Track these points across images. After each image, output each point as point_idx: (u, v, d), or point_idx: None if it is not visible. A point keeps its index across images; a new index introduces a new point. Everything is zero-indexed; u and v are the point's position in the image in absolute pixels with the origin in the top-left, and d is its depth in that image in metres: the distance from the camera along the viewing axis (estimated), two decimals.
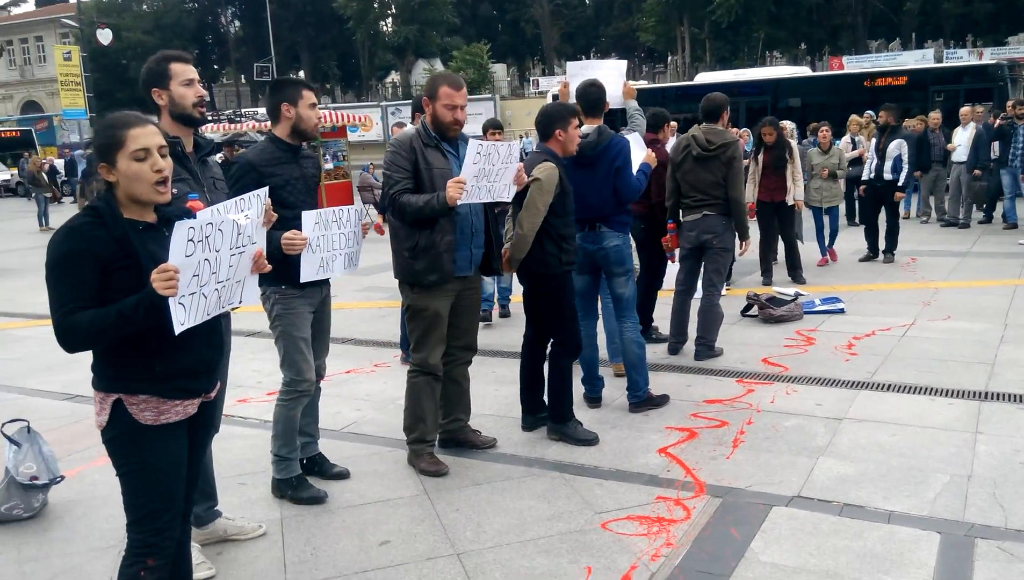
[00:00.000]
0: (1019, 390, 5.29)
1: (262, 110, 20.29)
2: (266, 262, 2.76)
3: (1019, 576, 3.20)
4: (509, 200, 4.36)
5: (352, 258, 4.09)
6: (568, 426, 4.78)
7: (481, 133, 7.49)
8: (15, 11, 64.18)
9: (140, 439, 2.48)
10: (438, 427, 4.56)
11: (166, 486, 2.53)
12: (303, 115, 3.97)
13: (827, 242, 9.99)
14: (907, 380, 5.60)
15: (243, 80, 62.42)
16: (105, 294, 2.37)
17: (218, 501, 3.78)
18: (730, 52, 45.27)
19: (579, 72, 5.98)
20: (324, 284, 4.13)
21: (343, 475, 4.38)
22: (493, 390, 5.80)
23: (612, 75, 5.91)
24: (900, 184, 9.79)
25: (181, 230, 2.31)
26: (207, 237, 2.41)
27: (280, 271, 3.87)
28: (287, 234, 3.67)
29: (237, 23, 63.63)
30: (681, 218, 6.34)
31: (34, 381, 6.54)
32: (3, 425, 4.18)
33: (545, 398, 5.00)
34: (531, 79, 51.77)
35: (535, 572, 3.39)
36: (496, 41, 56.51)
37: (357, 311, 8.77)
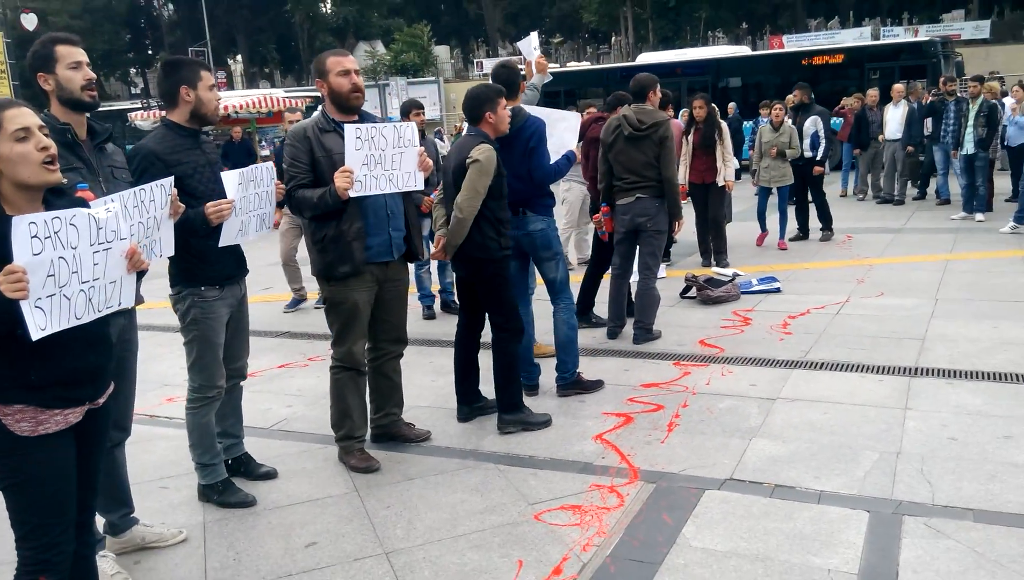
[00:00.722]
0: (948, 365, 5.37)
1: None
2: (143, 260, 2.58)
3: (944, 552, 3.22)
4: (419, 188, 4.21)
5: (264, 220, 3.92)
6: (523, 413, 4.71)
7: (400, 116, 7.38)
8: None
9: (19, 451, 2.33)
10: (367, 422, 4.44)
11: (52, 499, 2.38)
12: (203, 97, 3.73)
13: (779, 228, 9.85)
14: (839, 358, 5.65)
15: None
16: None
17: (134, 508, 3.62)
18: (673, 32, 45.44)
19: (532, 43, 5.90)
20: (241, 281, 3.96)
21: (270, 475, 4.25)
22: (430, 381, 5.70)
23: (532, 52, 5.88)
24: (819, 159, 9.93)
25: (21, 226, 2.15)
26: (56, 232, 2.24)
27: (197, 271, 3.73)
28: (210, 203, 3.52)
29: (171, 6, 61.79)
30: (615, 201, 6.28)
31: None
32: None
33: (479, 388, 4.94)
34: (475, 61, 51.36)
35: (465, 568, 3.32)
36: (439, 22, 55.91)
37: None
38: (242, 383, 4.21)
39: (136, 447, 4.70)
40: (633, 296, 6.50)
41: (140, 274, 2.70)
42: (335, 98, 4.08)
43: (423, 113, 7.21)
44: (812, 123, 9.97)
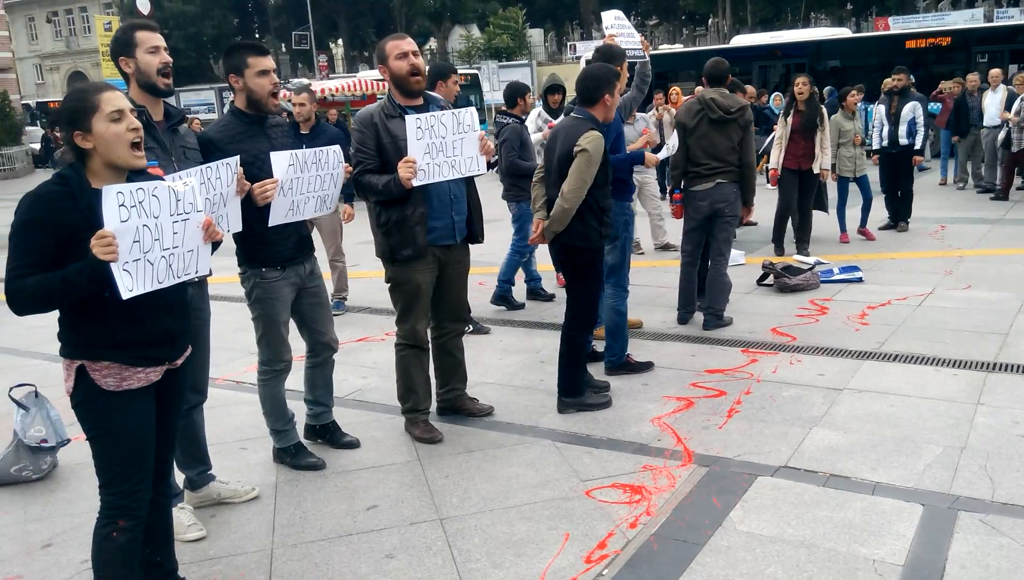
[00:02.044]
0: None
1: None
2: (218, 231, 2.79)
3: (997, 549, 3.17)
4: (481, 172, 4.30)
5: (325, 201, 3.95)
6: (583, 396, 4.79)
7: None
8: None
9: (104, 404, 2.58)
10: (430, 396, 4.62)
11: (133, 450, 2.63)
12: (251, 85, 3.76)
13: (861, 216, 9.48)
14: (915, 350, 5.52)
15: (283, 48, 62.63)
16: (65, 262, 2.45)
17: (211, 466, 3.90)
18: (773, 14, 44.16)
19: (615, 22, 5.91)
20: (307, 258, 4.07)
21: (352, 445, 4.40)
22: (498, 359, 5.85)
23: (627, 26, 5.91)
24: (918, 147, 9.55)
25: (110, 195, 2.39)
26: (140, 202, 2.47)
27: (259, 253, 3.88)
28: (256, 185, 3.60)
29: None
30: (689, 187, 6.23)
31: (53, 347, 6.74)
32: (11, 389, 4.35)
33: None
34: (568, 44, 51.13)
35: (514, 538, 3.46)
36: (533, 5, 55.77)
37: (375, 280, 8.85)
38: (334, 357, 4.36)
39: (221, 410, 5.06)
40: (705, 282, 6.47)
41: (215, 245, 2.92)
42: (397, 82, 4.18)
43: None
44: (911, 109, 9.59)
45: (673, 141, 5.76)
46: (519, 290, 7.49)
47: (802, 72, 20.25)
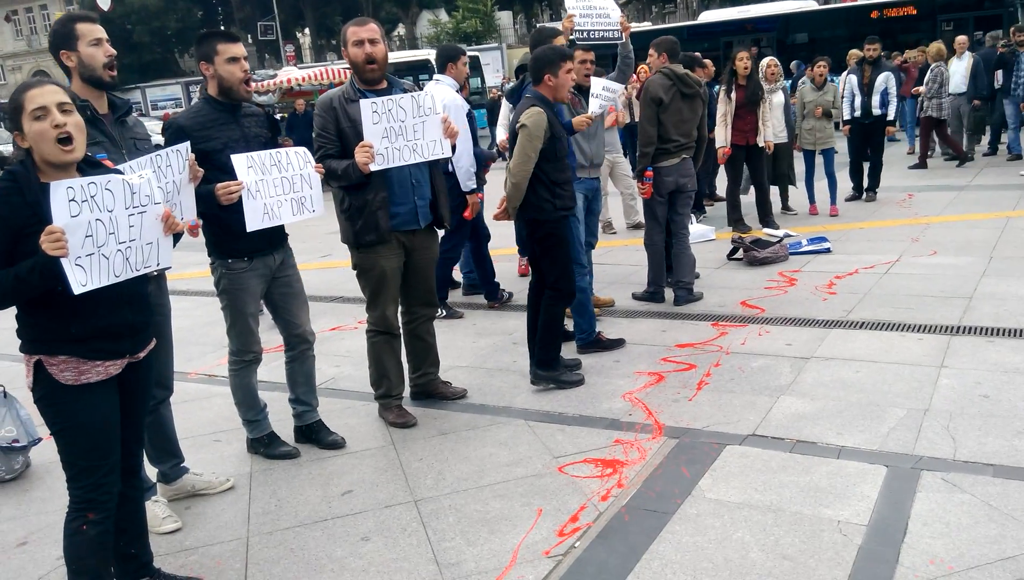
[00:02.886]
0: (991, 323, 5.30)
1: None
2: (178, 222, 2.78)
3: (958, 506, 3.26)
4: (446, 155, 4.31)
5: (304, 203, 3.89)
6: (558, 371, 4.84)
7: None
8: None
9: (64, 398, 2.59)
10: (403, 381, 4.64)
11: (96, 443, 2.64)
12: (222, 72, 3.74)
13: (830, 191, 9.48)
14: (881, 317, 5.61)
15: (249, 40, 61.93)
16: (17, 258, 2.45)
17: (184, 458, 3.90)
18: None
19: (577, 3, 5.89)
20: (277, 249, 4.04)
21: (338, 444, 4.29)
22: (471, 342, 5.88)
23: (606, 6, 5.90)
24: (891, 117, 9.64)
25: (59, 190, 2.38)
26: (92, 197, 2.46)
27: (226, 244, 3.85)
28: (220, 184, 3.59)
29: None
30: (655, 164, 6.25)
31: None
32: None
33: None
34: (538, 26, 50.90)
35: (488, 515, 3.50)
36: None
37: (347, 269, 8.84)
38: (312, 352, 4.31)
39: (194, 404, 5.07)
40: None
41: (176, 237, 2.89)
42: (354, 68, 4.18)
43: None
44: (884, 79, 9.63)
45: (595, 108, 5.68)
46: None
47: (771, 46, 20.49)
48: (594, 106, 5.57)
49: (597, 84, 5.71)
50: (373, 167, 4.03)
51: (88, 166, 2.65)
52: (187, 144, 3.38)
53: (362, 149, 4.00)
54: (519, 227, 4.89)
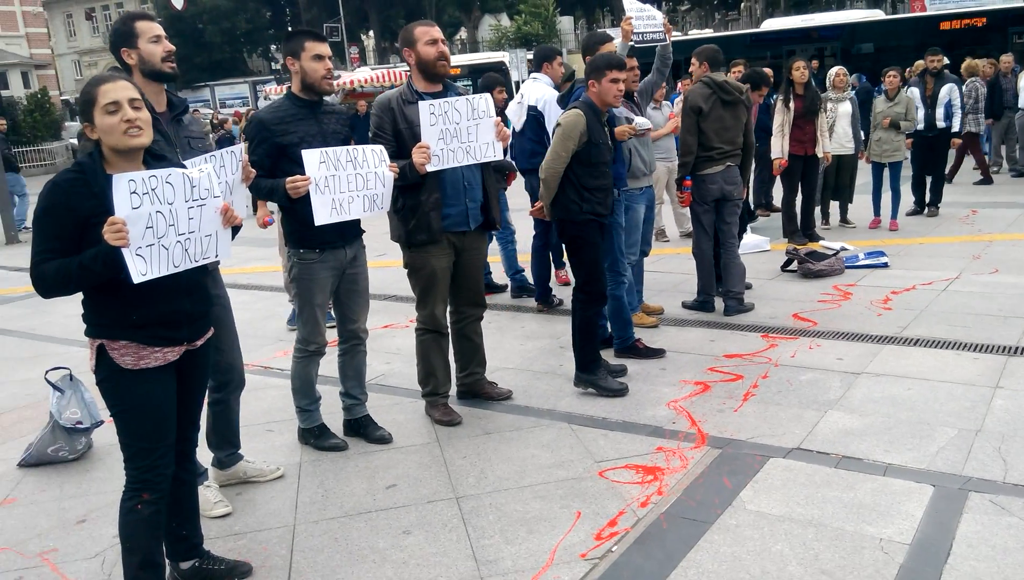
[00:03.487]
0: None
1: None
2: (236, 215, 2.87)
3: (1005, 529, 3.20)
4: (497, 157, 4.37)
5: (375, 201, 4.00)
6: (596, 375, 4.85)
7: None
8: None
9: (124, 382, 2.71)
10: (450, 380, 4.72)
11: (153, 426, 2.76)
12: (307, 68, 3.88)
13: (892, 205, 9.23)
14: (937, 335, 5.51)
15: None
16: (84, 246, 2.58)
17: (240, 447, 4.02)
18: None
19: (632, 6, 5.93)
20: (350, 244, 4.13)
21: (384, 439, 4.37)
22: (519, 344, 5.94)
23: (650, 13, 5.94)
24: (955, 129, 9.41)
25: (120, 183, 2.50)
26: (153, 189, 2.58)
27: (298, 234, 3.98)
28: (290, 178, 3.72)
29: None
30: (698, 172, 6.21)
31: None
32: (47, 372, 4.53)
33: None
34: (589, 32, 50.82)
35: (527, 515, 3.55)
36: None
37: (400, 269, 8.98)
38: (364, 348, 4.42)
39: (249, 394, 5.15)
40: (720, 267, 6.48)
41: (235, 230, 2.99)
42: (423, 66, 4.24)
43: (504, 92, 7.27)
44: (947, 91, 9.45)
45: (641, 120, 5.65)
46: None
47: (835, 56, 20.11)
48: (658, 116, 5.58)
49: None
50: (429, 168, 4.11)
51: (153, 159, 2.77)
52: (241, 147, 3.51)
53: (419, 150, 4.08)
54: (555, 227, 4.96)
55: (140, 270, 2.57)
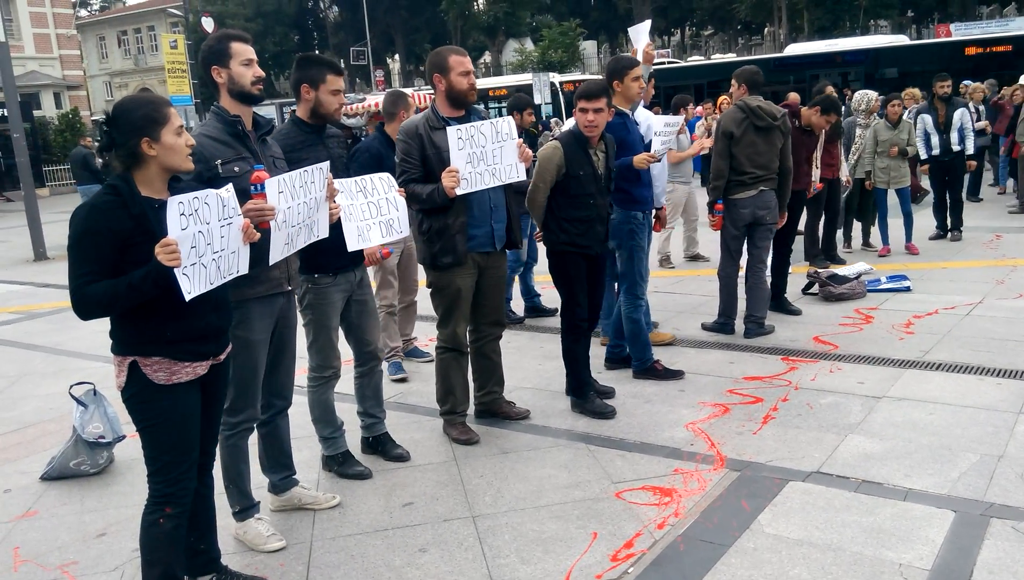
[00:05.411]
0: None
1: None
2: (255, 232, 2.92)
3: None
4: (521, 178, 4.41)
5: (392, 225, 4.02)
6: (584, 400, 4.92)
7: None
8: (130, 2, 67.55)
9: (155, 397, 2.75)
10: (468, 399, 4.74)
11: (180, 440, 2.80)
12: (324, 100, 3.88)
13: (906, 230, 9.16)
14: (959, 359, 5.45)
15: (341, 63, 63.94)
16: (123, 267, 2.63)
17: (295, 471, 3.99)
18: (830, 22, 43.50)
19: (640, 36, 5.99)
20: (358, 267, 4.18)
21: (403, 458, 4.39)
22: (537, 364, 5.94)
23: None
24: (970, 152, 9.41)
25: (173, 205, 2.57)
26: (196, 210, 2.65)
27: (312, 259, 3.93)
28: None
29: (336, 8, 65.13)
30: (730, 196, 6.22)
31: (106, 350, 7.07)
32: (71, 387, 4.59)
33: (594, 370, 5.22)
34: (626, 56, 51.07)
35: (543, 536, 3.54)
36: (588, 18, 56.01)
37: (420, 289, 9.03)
38: (380, 367, 4.45)
39: None
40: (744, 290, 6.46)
41: (252, 246, 2.99)
42: (453, 95, 4.31)
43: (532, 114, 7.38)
44: (959, 116, 9.45)
45: (657, 146, 5.56)
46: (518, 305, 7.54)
47: (860, 80, 20.08)
48: (656, 144, 5.52)
49: (658, 122, 5.70)
50: (459, 191, 4.17)
51: (175, 181, 2.83)
52: (327, 163, 3.50)
53: (449, 174, 4.13)
54: None
55: (187, 288, 2.64)
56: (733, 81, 6.48)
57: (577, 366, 4.95)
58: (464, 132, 4.17)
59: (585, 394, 4.92)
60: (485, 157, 4.23)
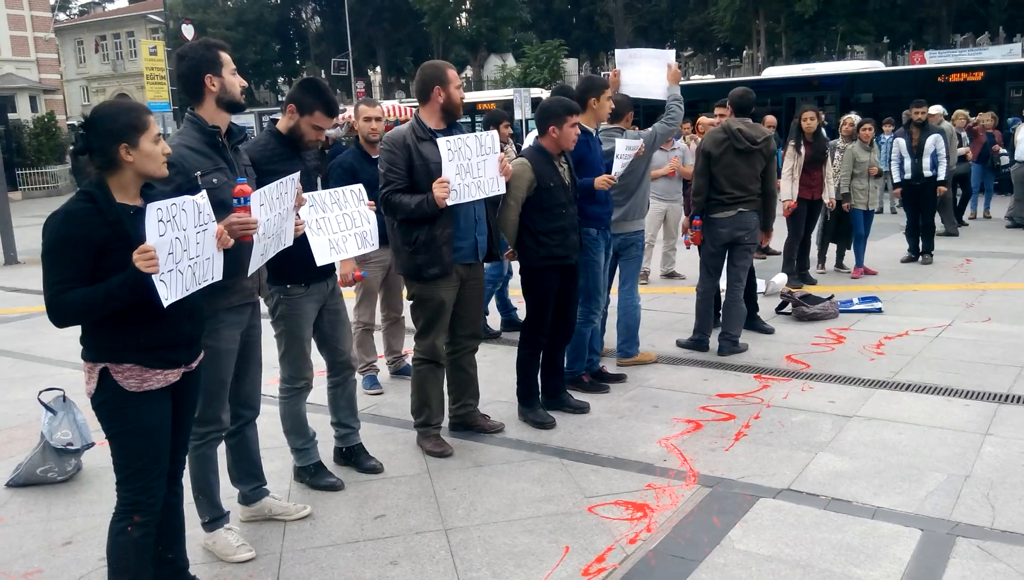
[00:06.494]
0: None
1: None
2: (229, 239, 2.91)
3: (992, 575, 3.20)
4: (501, 192, 4.45)
5: (365, 237, 4.06)
6: (529, 409, 5.02)
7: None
8: (109, 7, 67.19)
9: (125, 404, 2.73)
10: (444, 411, 4.73)
11: (150, 448, 2.78)
12: (304, 129, 3.87)
13: (858, 254, 9.31)
14: (929, 380, 5.53)
15: (322, 74, 63.90)
16: (98, 273, 2.60)
17: (266, 481, 3.95)
18: (808, 46, 44.15)
19: (628, 60, 6.05)
20: (329, 277, 4.17)
21: (376, 470, 4.38)
22: (513, 378, 5.90)
23: (658, 63, 5.99)
24: (941, 178, 9.60)
25: (151, 212, 2.55)
26: (174, 217, 2.64)
27: (285, 270, 3.89)
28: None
29: (317, 19, 65.15)
30: (710, 215, 6.29)
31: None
32: (40, 393, 4.54)
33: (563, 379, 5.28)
34: (603, 74, 51.51)
35: (515, 549, 3.54)
36: (569, 36, 56.43)
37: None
38: (354, 377, 4.43)
39: None
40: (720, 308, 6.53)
41: (226, 253, 2.96)
42: (449, 107, 4.36)
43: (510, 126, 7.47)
44: (933, 141, 9.63)
45: (617, 168, 5.51)
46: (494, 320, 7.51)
47: (835, 105, 20.36)
48: (617, 167, 5.52)
49: (620, 145, 5.69)
50: (449, 201, 4.19)
51: (147, 188, 2.82)
52: (297, 174, 3.51)
53: (440, 185, 4.15)
54: None
55: (164, 295, 2.62)
56: (728, 101, 6.56)
57: (529, 378, 5.03)
58: (453, 144, 4.20)
59: (532, 403, 5.01)
60: (471, 169, 4.28)
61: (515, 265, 6.94)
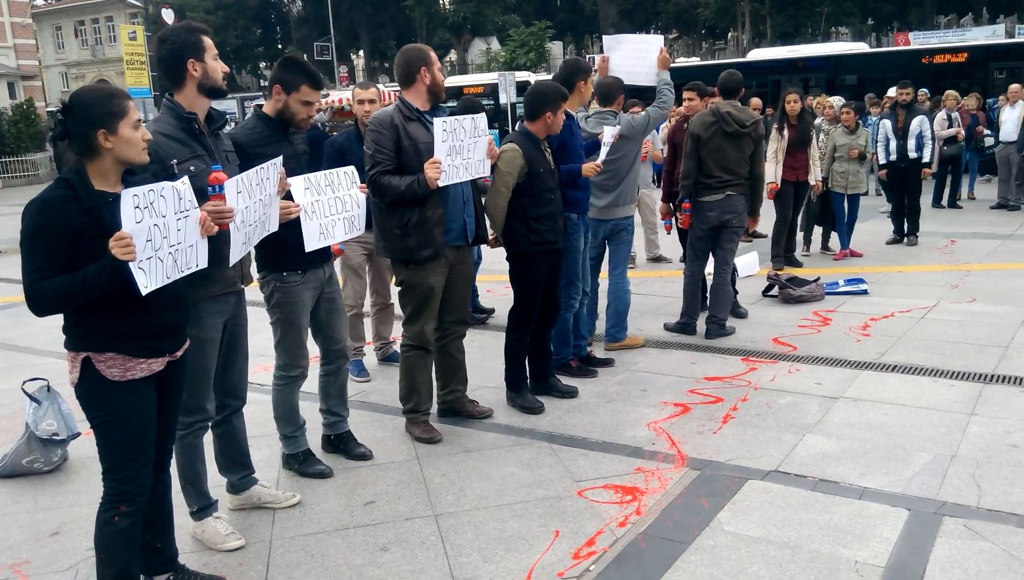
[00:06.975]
0: None
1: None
2: (213, 225, 2.87)
3: (978, 553, 3.23)
4: (487, 174, 4.46)
5: (353, 222, 4.01)
6: (517, 394, 5.02)
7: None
8: None
9: (109, 393, 2.70)
10: (432, 397, 4.72)
11: (135, 437, 2.75)
12: (293, 107, 3.81)
13: (845, 234, 9.38)
14: (915, 361, 5.57)
15: (304, 59, 63.43)
16: (77, 261, 2.57)
17: (254, 470, 3.94)
18: (792, 28, 44.17)
19: (615, 46, 6.00)
20: (326, 264, 4.13)
21: (365, 456, 4.37)
22: (501, 363, 5.90)
23: (646, 49, 5.96)
24: (926, 160, 9.63)
25: (127, 198, 2.51)
26: (152, 204, 2.60)
27: (280, 257, 3.89)
28: (282, 203, 3.61)
29: (299, 3, 64.59)
30: (698, 198, 6.28)
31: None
32: (24, 383, 4.49)
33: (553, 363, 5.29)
34: (588, 57, 51.34)
35: (505, 534, 3.55)
36: (554, 19, 56.19)
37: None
38: (347, 366, 4.42)
39: None
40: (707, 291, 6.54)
41: (211, 240, 2.92)
42: (434, 88, 4.33)
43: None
44: (918, 123, 9.66)
45: (603, 155, 5.42)
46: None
47: (820, 86, 20.39)
48: (604, 154, 5.49)
49: (608, 133, 5.66)
50: (440, 182, 4.16)
51: (128, 175, 2.78)
52: (280, 158, 3.45)
53: (432, 165, 4.12)
54: None
55: (143, 283, 2.58)
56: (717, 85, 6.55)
57: (517, 363, 5.02)
58: (449, 125, 4.18)
59: (520, 389, 5.01)
60: (463, 151, 4.26)
61: (484, 251, 6.94)
